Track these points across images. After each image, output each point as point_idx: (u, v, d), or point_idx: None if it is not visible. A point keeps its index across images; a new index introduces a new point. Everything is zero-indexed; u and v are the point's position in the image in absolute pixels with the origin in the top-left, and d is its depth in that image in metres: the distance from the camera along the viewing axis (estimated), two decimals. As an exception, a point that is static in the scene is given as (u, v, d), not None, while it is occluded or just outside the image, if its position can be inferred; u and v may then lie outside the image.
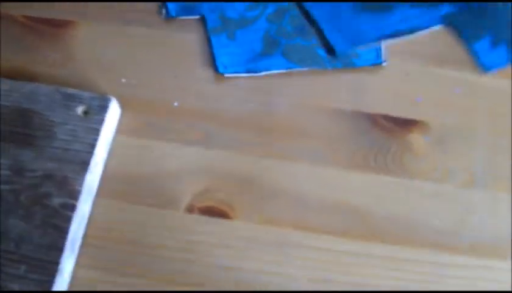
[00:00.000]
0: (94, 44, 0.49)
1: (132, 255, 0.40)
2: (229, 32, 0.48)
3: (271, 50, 0.47)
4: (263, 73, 0.47)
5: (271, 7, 0.50)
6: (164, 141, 0.45)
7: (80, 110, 0.43)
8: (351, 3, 0.35)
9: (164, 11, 0.50)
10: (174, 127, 0.45)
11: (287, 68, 0.47)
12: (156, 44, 0.49)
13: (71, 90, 0.44)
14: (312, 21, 0.37)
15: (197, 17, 0.50)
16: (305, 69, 0.47)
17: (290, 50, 0.47)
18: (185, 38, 0.49)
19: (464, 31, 0.27)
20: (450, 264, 0.40)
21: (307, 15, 0.37)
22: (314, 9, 0.36)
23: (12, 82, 0.44)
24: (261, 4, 0.50)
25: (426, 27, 0.30)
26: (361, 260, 0.40)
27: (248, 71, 0.46)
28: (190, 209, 0.42)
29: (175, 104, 0.46)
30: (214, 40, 0.48)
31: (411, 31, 0.31)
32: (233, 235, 0.41)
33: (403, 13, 0.30)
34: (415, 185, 0.43)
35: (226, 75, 0.47)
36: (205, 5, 0.50)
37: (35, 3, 0.51)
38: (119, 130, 0.45)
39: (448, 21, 0.27)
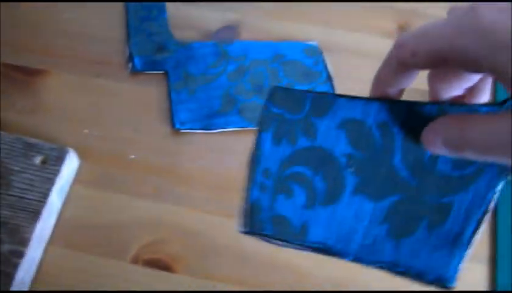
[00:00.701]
0: (62, 94, 0.51)
1: (75, 303, 0.42)
2: (190, 88, 0.51)
3: (228, 108, 0.49)
4: (218, 130, 0.49)
5: (233, 65, 0.52)
6: (118, 193, 0.46)
7: (38, 159, 0.45)
8: None
9: (130, 65, 0.52)
10: (128, 180, 0.47)
11: (241, 126, 0.49)
12: (121, 97, 0.51)
13: (31, 140, 0.46)
14: None
15: (161, 72, 0.52)
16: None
17: (246, 108, 0.49)
18: (149, 92, 0.51)
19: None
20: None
21: None
22: None
23: (-23, 129, 0.46)
24: (224, 61, 0.52)
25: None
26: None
27: (203, 128, 0.48)
28: (135, 260, 0.44)
29: (132, 156, 0.48)
30: (174, 96, 0.50)
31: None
32: (174, 288, 0.43)
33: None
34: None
35: (182, 130, 0.49)
36: (170, 61, 0.52)
37: (8, 50, 0.53)
38: (77, 181, 0.47)
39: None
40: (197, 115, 0.49)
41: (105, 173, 0.47)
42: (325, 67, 0.52)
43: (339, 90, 0.52)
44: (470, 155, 0.23)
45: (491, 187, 0.25)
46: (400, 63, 0.25)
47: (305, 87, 0.51)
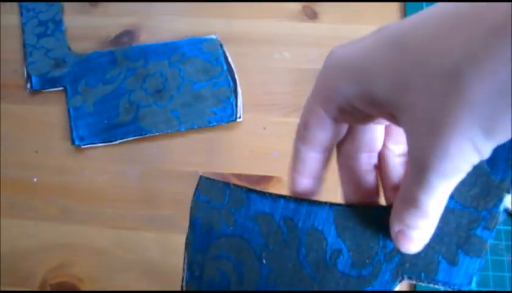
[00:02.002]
0: (-38, 124, 0.50)
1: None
2: (88, 102, 0.49)
3: (127, 118, 0.48)
4: (118, 141, 0.48)
5: (131, 70, 0.50)
6: (22, 219, 0.46)
7: None
8: None
9: (28, 85, 0.51)
10: (32, 204, 0.46)
11: (141, 134, 0.47)
12: (21, 119, 0.50)
13: None
14: None
15: (60, 89, 0.51)
16: (158, 133, 0.48)
17: (146, 115, 0.48)
18: (49, 111, 0.50)
19: None
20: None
21: None
22: None
23: None
24: (122, 68, 0.51)
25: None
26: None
27: (103, 141, 0.47)
28: (43, 286, 0.43)
29: (34, 179, 0.47)
30: (72, 112, 0.49)
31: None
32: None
33: None
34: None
35: (83, 146, 0.48)
36: (67, 76, 0.51)
37: None
38: (-20, 211, 0.46)
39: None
40: (96, 129, 0.48)
41: (9, 201, 0.47)
42: (226, 60, 0.51)
43: (241, 81, 0.50)
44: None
45: (387, 289, 0.26)
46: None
47: (205, 83, 0.50)
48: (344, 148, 0.25)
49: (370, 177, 0.26)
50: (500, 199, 0.24)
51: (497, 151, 0.20)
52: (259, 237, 0.29)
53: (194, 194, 0.30)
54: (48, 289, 0.43)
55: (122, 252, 0.44)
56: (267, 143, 0.47)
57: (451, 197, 0.23)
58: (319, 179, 0.26)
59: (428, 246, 0.24)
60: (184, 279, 0.32)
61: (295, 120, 0.25)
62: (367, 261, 0.26)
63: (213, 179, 0.30)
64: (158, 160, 0.47)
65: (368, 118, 0.23)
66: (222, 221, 0.30)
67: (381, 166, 0.26)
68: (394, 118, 0.20)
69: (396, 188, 0.25)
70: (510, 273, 0.41)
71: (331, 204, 0.26)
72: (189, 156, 0.48)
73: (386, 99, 0.20)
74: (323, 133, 0.24)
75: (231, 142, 0.48)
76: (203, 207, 0.31)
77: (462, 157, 0.18)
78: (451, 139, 0.18)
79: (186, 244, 0.31)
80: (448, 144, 0.18)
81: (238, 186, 0.29)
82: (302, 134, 0.24)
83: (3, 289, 0.43)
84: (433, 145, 0.18)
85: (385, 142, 0.25)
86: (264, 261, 0.29)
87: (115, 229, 0.45)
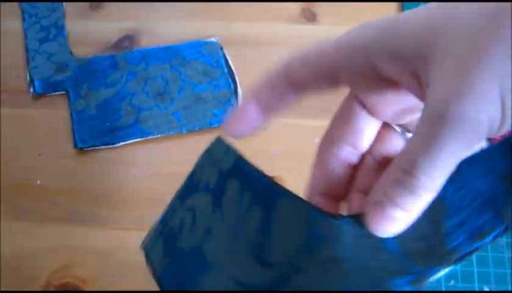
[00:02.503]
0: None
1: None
2: (91, 105, 0.50)
3: (129, 120, 0.49)
4: (120, 144, 0.48)
5: (132, 74, 0.51)
6: (26, 222, 0.46)
7: None
8: None
9: (31, 89, 0.51)
10: (36, 207, 0.47)
11: (143, 137, 0.48)
12: (24, 123, 0.51)
13: None
14: None
15: (63, 92, 0.51)
16: (160, 135, 0.48)
17: (147, 117, 0.49)
18: (52, 114, 0.51)
19: None
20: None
21: None
22: None
23: None
24: (124, 72, 0.51)
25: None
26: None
27: (106, 144, 0.48)
28: (46, 287, 0.43)
29: (38, 182, 0.48)
30: (75, 115, 0.49)
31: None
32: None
33: None
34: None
35: (86, 149, 0.48)
36: (70, 79, 0.51)
37: None
38: (-16, 214, 0.47)
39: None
40: (99, 132, 0.48)
41: (13, 204, 0.47)
42: (226, 62, 0.51)
43: (242, 83, 0.51)
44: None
45: None
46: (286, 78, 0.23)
47: (206, 86, 0.50)
48: (332, 133, 0.25)
49: (344, 172, 0.25)
50: (438, 267, 0.22)
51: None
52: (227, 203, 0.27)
53: (206, 149, 0.31)
54: (52, 290, 0.44)
55: (125, 253, 0.44)
56: (268, 144, 0.48)
57: (394, 238, 0.21)
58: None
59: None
60: (156, 221, 0.32)
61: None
62: None
63: (229, 146, 0.30)
64: (160, 161, 0.48)
65: (382, 85, 0.22)
66: (211, 176, 0.29)
67: (357, 167, 0.25)
68: (414, 77, 0.20)
69: (363, 192, 0.24)
70: (511, 270, 0.42)
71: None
72: (191, 157, 0.48)
73: (413, 49, 0.19)
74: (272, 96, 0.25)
75: (231, 143, 0.48)
76: (207, 162, 0.31)
77: (485, 99, 0.17)
78: (479, 74, 0.17)
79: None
80: (474, 82, 0.17)
81: (249, 165, 0.28)
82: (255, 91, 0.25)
83: (5, 291, 0.44)
84: (458, 86, 0.17)
85: (372, 147, 0.25)
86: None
87: (118, 231, 0.45)
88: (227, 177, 0.29)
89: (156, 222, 0.31)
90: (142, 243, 0.32)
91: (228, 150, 0.30)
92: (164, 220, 0.32)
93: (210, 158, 0.31)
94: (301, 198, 0.24)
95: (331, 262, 0.23)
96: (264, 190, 0.27)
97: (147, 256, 0.31)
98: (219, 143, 0.31)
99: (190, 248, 0.30)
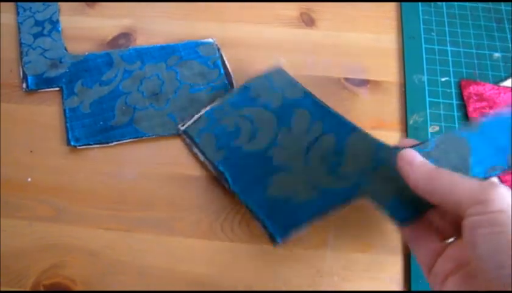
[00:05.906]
0: (-44, 123, 0.50)
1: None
2: (85, 103, 0.49)
3: (123, 120, 0.48)
4: (114, 143, 0.47)
5: (128, 73, 0.50)
6: (15, 219, 0.45)
7: None
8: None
9: (24, 84, 0.51)
10: (26, 204, 0.46)
11: (137, 137, 0.47)
12: (16, 119, 0.50)
13: None
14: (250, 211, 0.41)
15: (56, 89, 0.51)
16: (154, 136, 0.48)
17: (142, 117, 0.48)
18: (44, 111, 0.50)
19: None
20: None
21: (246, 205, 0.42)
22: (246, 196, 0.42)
23: None
24: (119, 70, 0.50)
25: (348, 200, 0.36)
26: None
27: (99, 142, 0.47)
28: (35, 287, 0.43)
29: (29, 179, 0.47)
30: (68, 112, 0.49)
31: (334, 207, 0.36)
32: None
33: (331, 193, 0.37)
34: (264, 250, 0.43)
35: (78, 147, 0.47)
36: (64, 76, 0.51)
37: None
38: (-28, 211, 0.46)
39: (363, 192, 0.35)
40: (92, 130, 0.48)
41: (2, 200, 0.46)
42: (223, 64, 0.51)
43: (238, 85, 0.50)
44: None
45: None
46: None
47: (202, 87, 0.50)
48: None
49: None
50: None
51: None
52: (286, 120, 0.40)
53: (264, 74, 0.43)
54: (41, 290, 0.43)
55: (116, 254, 0.44)
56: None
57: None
58: None
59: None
60: (203, 112, 0.42)
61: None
62: None
63: (289, 75, 0.43)
64: (154, 162, 0.47)
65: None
66: (273, 100, 0.41)
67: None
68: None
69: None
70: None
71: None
72: (185, 159, 0.48)
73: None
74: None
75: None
76: (265, 86, 0.42)
77: None
78: None
79: (226, 95, 0.43)
80: None
81: (318, 99, 0.42)
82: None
83: (-5, 289, 0.43)
84: None
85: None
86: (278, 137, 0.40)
87: (109, 231, 0.45)
88: (294, 106, 0.41)
89: (198, 115, 0.43)
90: (179, 128, 0.44)
91: (291, 81, 0.42)
92: (212, 118, 0.43)
93: (269, 83, 0.43)
94: (367, 133, 0.38)
95: (389, 178, 0.34)
96: (337, 123, 0.39)
97: (192, 139, 0.43)
98: (280, 73, 0.43)
99: (251, 150, 0.41)
